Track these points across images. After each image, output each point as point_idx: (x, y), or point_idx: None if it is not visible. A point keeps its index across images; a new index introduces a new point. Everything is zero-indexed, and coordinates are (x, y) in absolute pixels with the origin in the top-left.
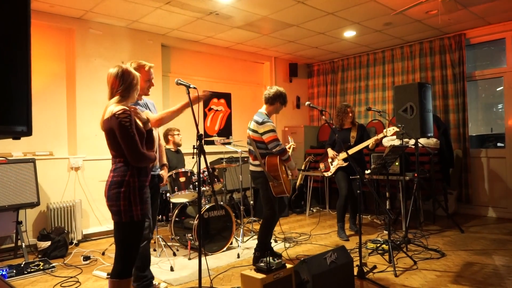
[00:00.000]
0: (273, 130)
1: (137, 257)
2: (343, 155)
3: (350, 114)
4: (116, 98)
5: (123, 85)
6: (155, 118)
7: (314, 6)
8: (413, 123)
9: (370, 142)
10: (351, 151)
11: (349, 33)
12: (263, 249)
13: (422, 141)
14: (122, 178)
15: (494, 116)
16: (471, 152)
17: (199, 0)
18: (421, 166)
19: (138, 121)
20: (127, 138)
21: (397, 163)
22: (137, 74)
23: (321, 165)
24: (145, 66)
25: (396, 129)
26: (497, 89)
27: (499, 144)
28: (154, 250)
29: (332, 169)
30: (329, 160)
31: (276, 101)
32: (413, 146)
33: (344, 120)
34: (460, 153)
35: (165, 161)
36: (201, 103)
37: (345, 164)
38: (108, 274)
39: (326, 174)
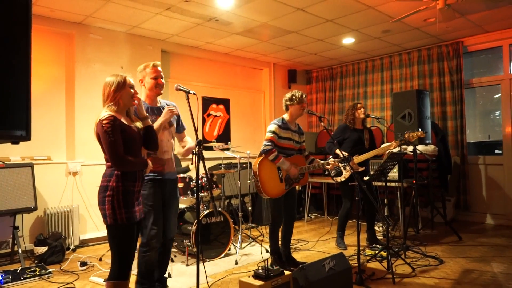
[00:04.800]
0: (272, 132)
1: (131, 259)
2: (357, 159)
3: (363, 109)
4: (106, 107)
5: (106, 93)
6: None
7: (313, 13)
8: (411, 130)
9: (392, 146)
10: (368, 155)
11: (348, 40)
12: (273, 254)
13: (420, 148)
14: (107, 183)
15: (492, 123)
16: (469, 159)
17: (199, 6)
18: (419, 172)
19: (135, 123)
20: (107, 143)
21: (395, 170)
22: (118, 79)
23: (331, 170)
24: (149, 64)
25: (419, 134)
26: (495, 97)
27: (496, 151)
28: None
29: (346, 174)
30: (341, 164)
31: (290, 104)
32: (411, 153)
33: (356, 118)
34: (458, 160)
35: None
36: (200, 108)
37: (362, 169)
38: (105, 280)
39: (338, 179)
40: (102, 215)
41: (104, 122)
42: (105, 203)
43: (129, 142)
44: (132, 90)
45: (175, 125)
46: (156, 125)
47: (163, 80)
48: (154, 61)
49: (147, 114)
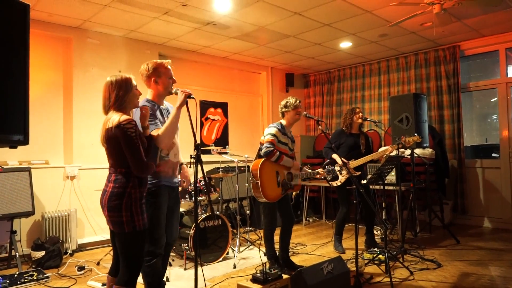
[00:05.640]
0: (273, 135)
1: (141, 266)
2: (353, 163)
3: (361, 114)
4: (113, 110)
5: (114, 96)
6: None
7: (310, 17)
8: (409, 134)
9: (388, 151)
10: (363, 160)
11: (345, 44)
12: (269, 259)
13: (417, 151)
14: (124, 189)
15: (489, 126)
16: (466, 162)
17: (196, 10)
18: (417, 176)
19: (140, 129)
20: (133, 148)
21: (393, 173)
22: (126, 81)
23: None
24: (165, 63)
25: (416, 139)
26: (491, 100)
27: (494, 155)
28: None
29: (342, 178)
30: (337, 168)
31: (286, 111)
32: (409, 156)
33: (353, 123)
34: (456, 164)
35: (182, 160)
36: (198, 112)
37: (358, 173)
38: (103, 285)
39: (334, 183)
40: (114, 223)
41: (128, 126)
42: (121, 210)
43: (142, 146)
44: (137, 92)
45: (179, 127)
46: (173, 113)
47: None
48: (167, 60)
49: (160, 116)
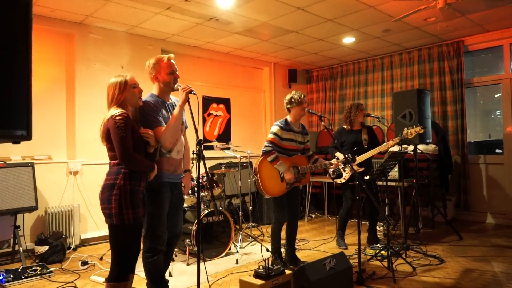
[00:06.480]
0: (274, 133)
1: (132, 260)
2: (356, 159)
3: (364, 112)
4: (113, 108)
5: (111, 96)
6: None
7: (313, 12)
8: (410, 126)
9: (390, 144)
10: (367, 155)
11: (348, 40)
12: (274, 253)
13: (421, 147)
14: (114, 181)
15: (493, 122)
16: (470, 158)
17: (199, 6)
18: (420, 172)
19: (147, 135)
20: (118, 138)
21: (396, 169)
22: (119, 81)
23: (330, 171)
24: (163, 58)
25: (418, 130)
26: (495, 96)
27: (497, 151)
28: None
29: (346, 175)
30: (341, 166)
31: (291, 106)
32: (412, 152)
33: (356, 119)
34: (459, 160)
35: (189, 167)
36: (200, 108)
37: (361, 169)
38: (105, 281)
39: (338, 181)
40: (105, 214)
41: (118, 118)
42: (111, 202)
43: (137, 143)
44: (136, 90)
45: (185, 123)
46: (176, 111)
47: (178, 73)
48: (168, 55)
49: (165, 112)
